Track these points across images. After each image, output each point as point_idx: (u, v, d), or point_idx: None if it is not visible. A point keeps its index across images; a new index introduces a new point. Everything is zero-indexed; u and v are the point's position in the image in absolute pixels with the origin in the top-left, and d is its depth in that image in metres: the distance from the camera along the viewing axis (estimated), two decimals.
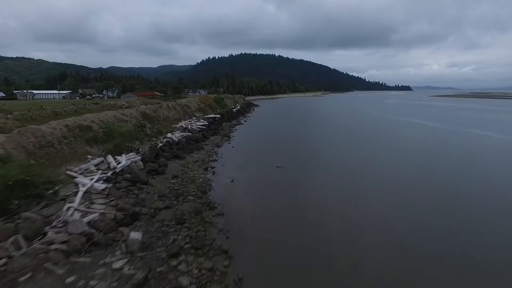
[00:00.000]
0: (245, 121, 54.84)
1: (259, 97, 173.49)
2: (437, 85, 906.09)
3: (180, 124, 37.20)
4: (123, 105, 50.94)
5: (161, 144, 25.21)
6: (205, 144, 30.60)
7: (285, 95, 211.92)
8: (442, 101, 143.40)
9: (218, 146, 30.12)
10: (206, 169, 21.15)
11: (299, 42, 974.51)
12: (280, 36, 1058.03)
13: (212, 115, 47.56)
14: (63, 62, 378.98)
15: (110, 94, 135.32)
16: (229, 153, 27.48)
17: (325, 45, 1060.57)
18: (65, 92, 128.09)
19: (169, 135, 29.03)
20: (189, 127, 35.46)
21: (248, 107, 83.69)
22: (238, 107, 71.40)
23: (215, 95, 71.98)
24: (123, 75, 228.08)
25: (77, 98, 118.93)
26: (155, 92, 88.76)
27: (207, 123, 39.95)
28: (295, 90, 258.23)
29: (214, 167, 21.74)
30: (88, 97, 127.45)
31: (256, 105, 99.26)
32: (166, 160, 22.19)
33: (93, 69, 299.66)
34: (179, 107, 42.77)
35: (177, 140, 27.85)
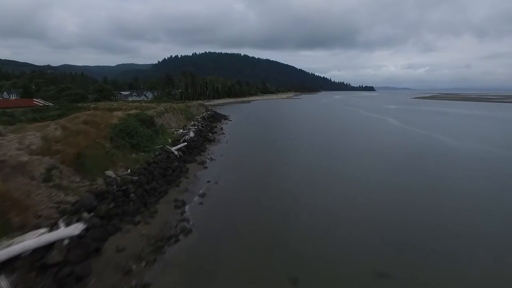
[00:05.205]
0: (202, 202, 17.55)
1: (226, 100, 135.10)
2: (394, 86, 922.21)
3: None
4: None
5: None
6: None
7: (256, 97, 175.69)
8: (450, 107, 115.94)
9: None
10: None
11: (266, 41, 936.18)
12: (248, 35, 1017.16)
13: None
14: (4, 58, 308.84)
15: (14, 96, 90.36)
16: None
17: (292, 45, 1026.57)
18: None
19: None
20: None
21: (210, 127, 45.94)
22: (188, 137, 32.25)
23: (127, 116, 32.05)
24: (75, 73, 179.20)
25: None
26: (34, 101, 46.92)
27: None
28: (265, 91, 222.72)
29: None
30: None
31: (225, 117, 61.73)
32: None
33: (39, 66, 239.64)
34: None
35: None
